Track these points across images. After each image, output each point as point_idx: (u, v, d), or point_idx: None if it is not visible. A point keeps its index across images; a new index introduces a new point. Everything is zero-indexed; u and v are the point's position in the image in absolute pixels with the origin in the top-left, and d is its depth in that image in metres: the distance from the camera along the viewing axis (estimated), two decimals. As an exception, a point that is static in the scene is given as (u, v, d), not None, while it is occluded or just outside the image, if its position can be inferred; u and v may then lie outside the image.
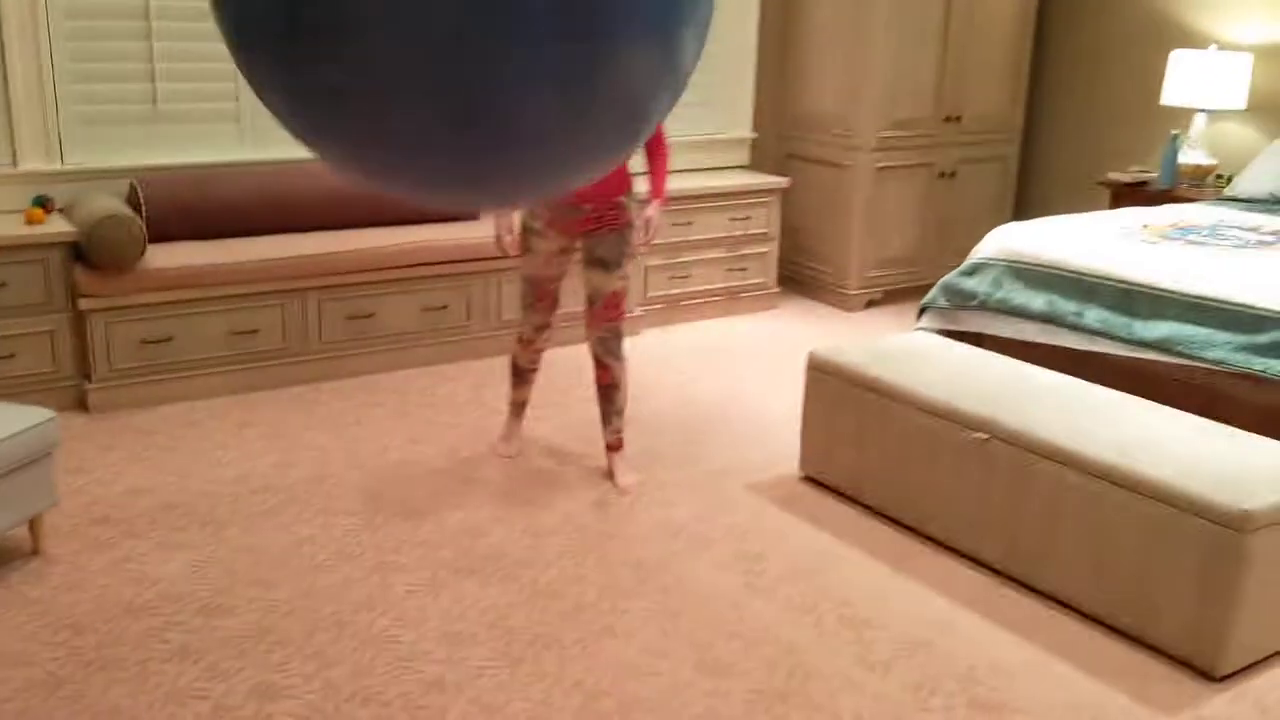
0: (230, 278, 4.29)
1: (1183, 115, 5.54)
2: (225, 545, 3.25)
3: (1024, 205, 6.42)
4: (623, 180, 3.52)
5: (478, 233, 4.73)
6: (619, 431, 3.73)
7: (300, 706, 2.54)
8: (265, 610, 2.93)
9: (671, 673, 2.71)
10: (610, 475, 3.75)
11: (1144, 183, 5.43)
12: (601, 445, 3.85)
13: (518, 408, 3.93)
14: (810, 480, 3.80)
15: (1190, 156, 5.33)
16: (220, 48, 4.56)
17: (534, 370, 3.87)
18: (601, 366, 3.65)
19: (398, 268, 4.62)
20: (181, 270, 4.20)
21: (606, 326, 3.62)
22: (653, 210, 3.60)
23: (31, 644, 2.75)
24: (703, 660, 2.77)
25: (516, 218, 3.68)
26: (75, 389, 4.17)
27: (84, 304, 4.09)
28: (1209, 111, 5.36)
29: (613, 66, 1.35)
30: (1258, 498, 2.67)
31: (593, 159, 1.53)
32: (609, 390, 3.67)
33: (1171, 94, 5.34)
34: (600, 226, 3.55)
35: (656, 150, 3.56)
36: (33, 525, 3.17)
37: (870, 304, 6.00)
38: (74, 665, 2.67)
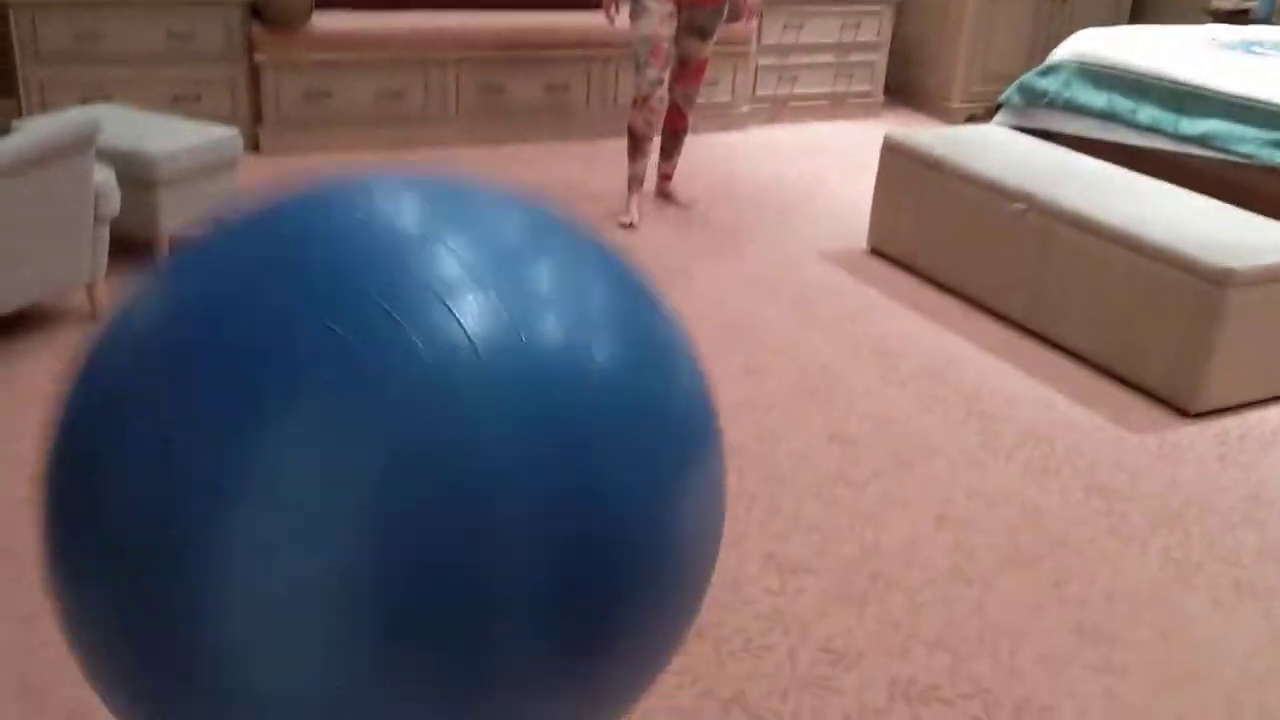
0: (382, 42, 4.89)
1: (1299, -57, 5.60)
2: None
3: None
4: None
5: (601, 20, 5.19)
6: (675, 165, 4.60)
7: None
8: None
9: (720, 371, 3.30)
10: (669, 196, 4.61)
11: (1246, 10, 5.56)
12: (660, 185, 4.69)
13: (636, 182, 4.37)
14: (875, 252, 4.28)
15: (1298, -15, 5.43)
16: None
17: (649, 139, 4.29)
18: (680, 114, 4.40)
19: (527, 47, 5.14)
20: (342, 33, 4.82)
21: (694, 84, 4.36)
22: None
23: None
24: (747, 363, 3.35)
25: None
26: (249, 131, 4.86)
27: (259, 57, 4.75)
28: (1324, -60, 5.42)
29: None
30: (1240, 259, 3.07)
31: None
32: (680, 132, 4.48)
33: (1289, -79, 5.41)
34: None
35: None
36: (218, 226, 3.88)
37: (970, 119, 6.29)
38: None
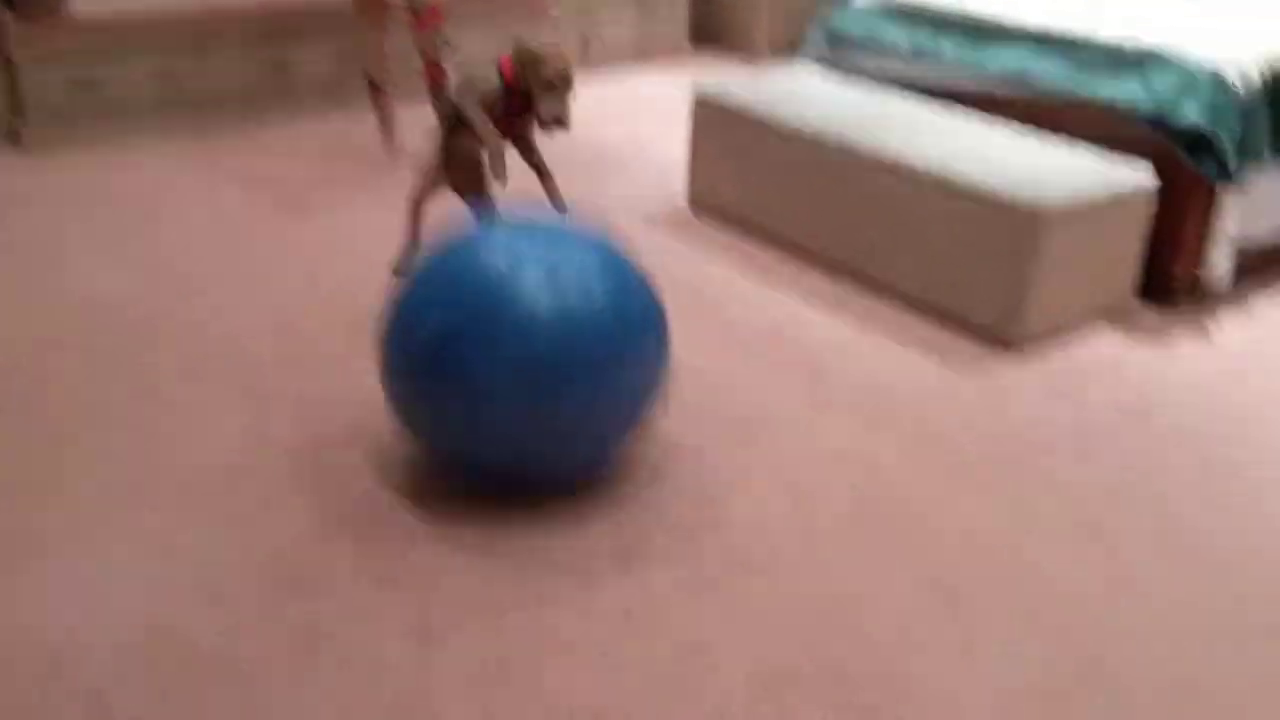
0: (153, 23, 4.51)
1: None
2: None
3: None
4: None
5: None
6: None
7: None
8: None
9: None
10: None
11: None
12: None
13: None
14: (696, 208, 4.20)
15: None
16: None
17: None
18: (433, 68, 4.43)
19: (314, 14, 4.84)
20: (107, 16, 4.42)
21: (424, 32, 4.35)
22: None
23: None
24: (578, 341, 3.23)
25: None
26: (7, 128, 4.43)
27: (12, 48, 4.31)
28: None
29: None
30: (1050, 195, 3.11)
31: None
32: (439, 88, 4.43)
33: None
34: None
35: None
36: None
37: (779, 56, 6.27)
38: (30, 348, 3.09)
